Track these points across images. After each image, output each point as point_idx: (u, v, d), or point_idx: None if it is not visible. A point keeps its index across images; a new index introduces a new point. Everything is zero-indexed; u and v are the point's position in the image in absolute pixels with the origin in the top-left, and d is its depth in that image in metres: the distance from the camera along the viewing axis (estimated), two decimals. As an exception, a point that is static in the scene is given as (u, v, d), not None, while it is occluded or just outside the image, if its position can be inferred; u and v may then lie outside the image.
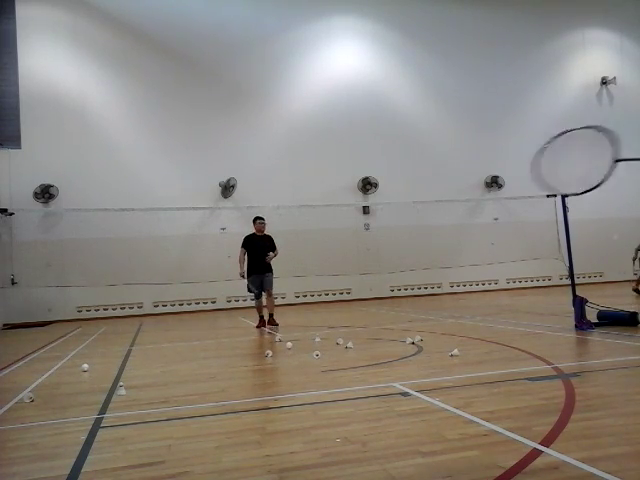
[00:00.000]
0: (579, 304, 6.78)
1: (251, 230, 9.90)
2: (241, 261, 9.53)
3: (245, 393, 4.57)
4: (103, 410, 3.96)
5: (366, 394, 3.98)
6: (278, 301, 15.44)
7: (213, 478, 2.53)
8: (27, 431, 3.54)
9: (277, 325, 9.54)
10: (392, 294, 16.57)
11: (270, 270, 9.58)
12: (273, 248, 9.67)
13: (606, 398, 3.46)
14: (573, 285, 7.12)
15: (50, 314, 14.24)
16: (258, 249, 9.50)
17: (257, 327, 9.51)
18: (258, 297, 9.63)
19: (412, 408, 3.52)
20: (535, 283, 17.59)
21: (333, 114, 16.61)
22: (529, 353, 5.24)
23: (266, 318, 9.68)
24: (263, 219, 9.79)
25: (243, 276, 9.49)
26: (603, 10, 19.26)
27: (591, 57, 19.20)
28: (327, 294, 16.15)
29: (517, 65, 17.96)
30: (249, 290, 9.60)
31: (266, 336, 8.54)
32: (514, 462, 2.45)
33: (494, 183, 17.60)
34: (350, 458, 2.64)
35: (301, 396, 4.07)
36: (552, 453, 2.53)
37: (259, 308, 9.71)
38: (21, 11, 14.88)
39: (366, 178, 16.63)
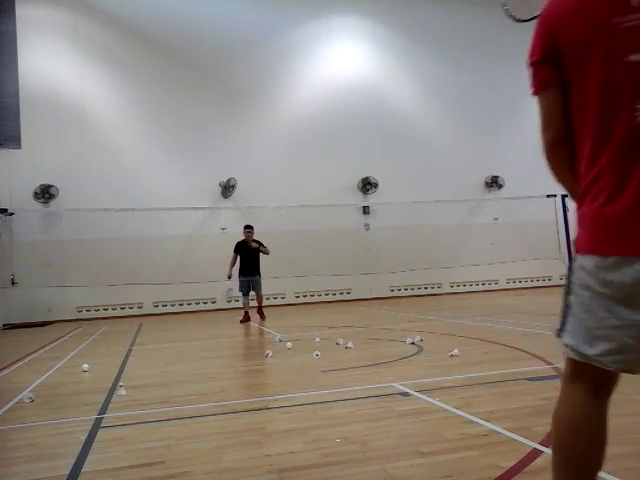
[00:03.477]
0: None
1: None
2: (231, 264, 10.80)
3: (245, 393, 4.58)
4: (103, 410, 3.96)
5: (366, 394, 3.98)
6: (278, 301, 15.51)
7: (213, 478, 2.53)
8: (27, 431, 3.54)
9: (264, 318, 10.91)
10: (392, 294, 16.57)
11: (258, 273, 10.84)
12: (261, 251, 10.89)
13: (606, 398, 3.45)
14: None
15: (50, 314, 14.23)
16: (247, 254, 10.79)
17: (241, 322, 10.71)
18: (245, 295, 10.90)
19: (412, 408, 3.52)
20: (535, 283, 17.59)
21: (333, 114, 16.61)
22: (529, 353, 5.24)
23: (252, 314, 11.00)
24: (251, 228, 10.90)
25: (230, 277, 10.75)
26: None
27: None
28: (327, 294, 16.15)
29: (517, 65, 17.85)
30: (240, 289, 10.93)
31: (266, 336, 8.55)
32: (514, 462, 2.45)
33: (494, 183, 17.60)
34: (350, 458, 2.65)
35: (301, 396, 4.07)
36: (552, 453, 2.52)
37: (245, 306, 10.99)
38: (21, 11, 14.88)
39: (366, 178, 16.63)
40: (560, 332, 1.53)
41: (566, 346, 1.51)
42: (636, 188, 1.34)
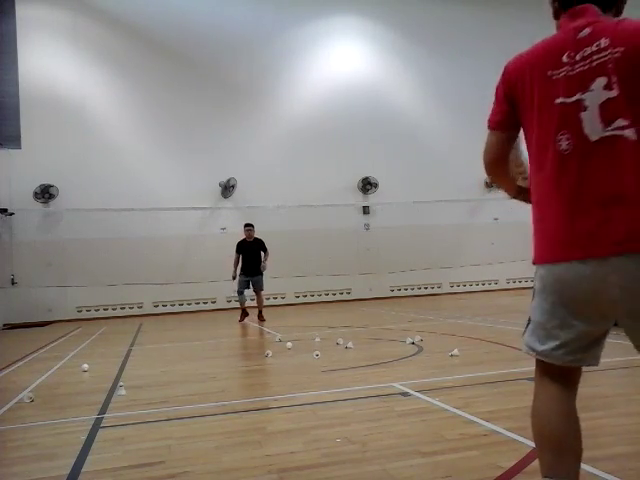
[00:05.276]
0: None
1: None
2: (235, 265, 10.76)
3: (245, 393, 4.58)
4: (103, 410, 3.96)
5: (366, 394, 3.98)
6: (278, 301, 15.50)
7: (213, 478, 2.53)
8: (27, 431, 3.54)
9: (264, 321, 10.64)
10: (392, 294, 16.56)
11: (260, 273, 10.70)
12: (263, 250, 10.75)
13: (606, 398, 3.46)
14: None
15: (50, 314, 14.23)
16: (248, 253, 10.74)
17: (239, 321, 10.70)
18: (241, 294, 10.78)
19: (412, 408, 3.52)
20: (535, 283, 17.57)
21: (333, 114, 16.60)
22: (529, 353, 5.24)
23: (253, 315, 10.91)
24: (251, 226, 10.87)
25: (234, 278, 10.73)
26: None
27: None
28: (327, 294, 16.14)
29: (517, 65, 17.97)
30: (238, 287, 10.77)
31: (266, 336, 8.55)
32: (514, 462, 2.45)
33: (494, 183, 17.58)
34: (350, 458, 2.65)
35: (301, 396, 4.07)
36: (552, 453, 2.52)
37: (242, 304, 10.88)
38: (21, 11, 14.87)
39: (366, 178, 16.63)
40: (524, 332, 1.81)
41: (525, 344, 1.80)
42: (561, 204, 1.62)
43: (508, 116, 1.80)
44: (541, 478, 1.73)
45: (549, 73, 1.67)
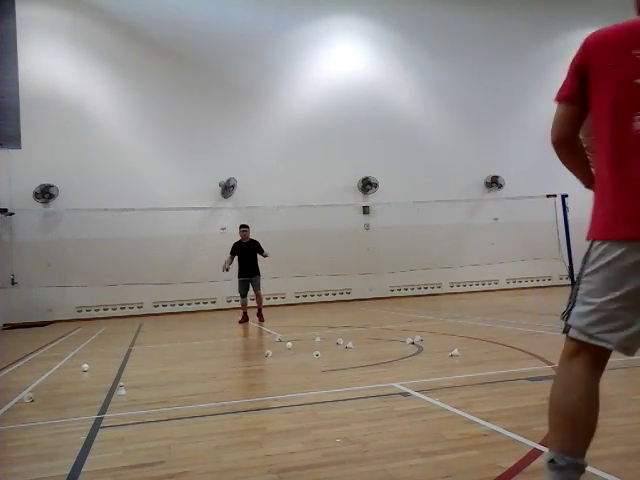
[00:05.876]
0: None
1: (251, 230, 10.97)
2: (227, 262, 10.64)
3: (245, 393, 4.58)
4: (103, 410, 3.96)
5: (366, 394, 3.98)
6: (278, 301, 15.51)
7: (213, 478, 2.53)
8: (27, 431, 3.54)
9: (263, 321, 10.64)
10: (392, 294, 16.57)
11: (258, 273, 10.73)
12: (260, 251, 10.72)
13: (606, 398, 3.44)
14: (573, 285, 7.11)
15: (50, 314, 14.23)
16: (244, 254, 10.70)
17: (240, 322, 10.60)
18: (243, 296, 10.79)
19: (412, 408, 3.52)
20: (535, 283, 17.59)
21: (333, 114, 16.61)
22: (529, 353, 5.24)
23: (251, 315, 10.84)
24: (246, 227, 10.90)
25: (227, 270, 10.56)
26: (600, 11, 19.24)
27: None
28: (327, 294, 16.14)
29: (517, 65, 17.97)
30: (239, 290, 10.80)
31: (266, 336, 8.54)
32: (514, 462, 2.45)
33: (494, 183, 17.60)
34: (350, 458, 2.64)
35: (301, 396, 4.07)
36: (552, 453, 2.52)
37: (244, 306, 10.85)
38: (21, 11, 14.88)
39: (366, 178, 16.63)
40: (567, 315, 1.78)
41: (572, 327, 1.76)
42: (631, 181, 1.64)
43: (577, 90, 1.78)
44: (550, 452, 1.80)
45: (634, 52, 1.67)
